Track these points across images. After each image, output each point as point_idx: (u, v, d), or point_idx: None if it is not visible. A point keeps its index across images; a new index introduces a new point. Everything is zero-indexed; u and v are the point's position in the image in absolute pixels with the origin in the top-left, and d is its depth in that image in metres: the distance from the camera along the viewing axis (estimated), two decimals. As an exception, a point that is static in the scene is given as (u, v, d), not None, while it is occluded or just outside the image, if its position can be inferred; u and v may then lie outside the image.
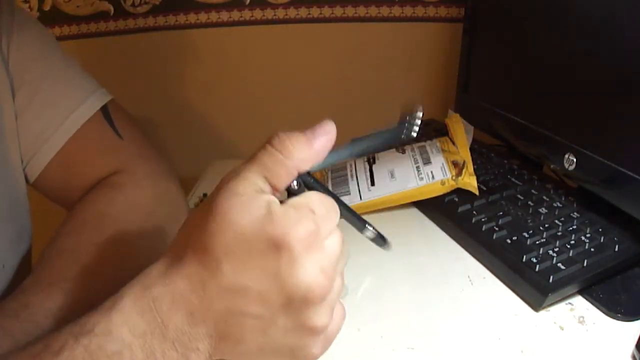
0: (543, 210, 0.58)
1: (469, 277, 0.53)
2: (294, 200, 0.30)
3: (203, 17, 0.93)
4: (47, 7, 0.95)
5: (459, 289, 0.52)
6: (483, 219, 0.58)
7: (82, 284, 0.41)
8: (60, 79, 0.52)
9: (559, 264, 0.49)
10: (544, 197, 0.60)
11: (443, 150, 0.66)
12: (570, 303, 0.49)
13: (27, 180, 0.52)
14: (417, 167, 0.64)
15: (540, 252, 0.51)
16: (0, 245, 0.46)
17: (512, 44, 0.67)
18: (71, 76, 0.54)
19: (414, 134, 0.34)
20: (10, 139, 0.49)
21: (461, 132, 0.69)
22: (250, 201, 0.29)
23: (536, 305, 0.48)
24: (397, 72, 0.93)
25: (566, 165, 0.58)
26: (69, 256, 0.43)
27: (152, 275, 0.30)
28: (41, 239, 0.49)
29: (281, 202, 0.30)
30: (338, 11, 0.89)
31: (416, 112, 0.34)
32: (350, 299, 0.51)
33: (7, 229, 0.48)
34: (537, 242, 0.53)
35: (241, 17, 0.92)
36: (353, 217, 0.35)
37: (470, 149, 0.66)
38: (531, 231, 0.54)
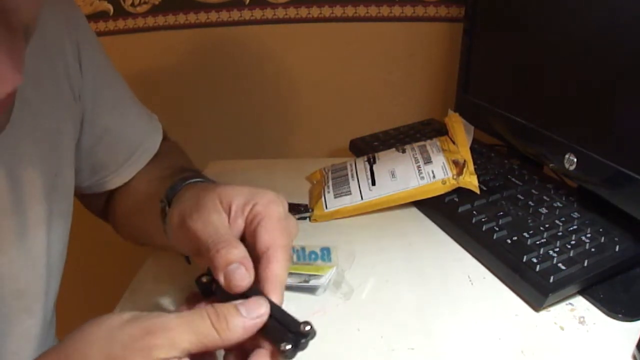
0: (543, 210, 0.58)
1: (469, 277, 0.53)
2: None
3: (203, 17, 0.93)
4: (46, 7, 0.95)
5: (459, 289, 0.51)
6: (483, 219, 0.58)
7: None
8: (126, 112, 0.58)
9: (560, 264, 0.49)
10: (545, 197, 0.60)
11: (443, 150, 0.66)
12: (570, 303, 0.49)
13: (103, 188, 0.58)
14: (418, 167, 0.64)
15: (541, 252, 0.51)
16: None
17: (512, 43, 0.67)
18: (134, 108, 0.59)
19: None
20: (67, 159, 0.52)
21: (461, 131, 0.69)
22: None
23: (536, 306, 0.48)
24: (397, 72, 0.93)
25: (566, 165, 0.58)
26: None
27: None
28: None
29: None
30: (338, 11, 0.89)
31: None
32: (353, 300, 0.51)
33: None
34: (538, 242, 0.52)
35: (241, 17, 0.92)
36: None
37: (470, 149, 0.66)
38: (531, 231, 0.54)
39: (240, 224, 0.40)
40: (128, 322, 0.31)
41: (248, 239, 0.40)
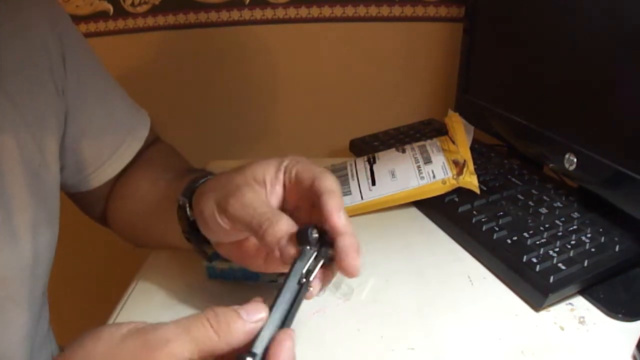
0: (543, 210, 0.58)
1: (469, 277, 0.53)
2: None
3: (203, 16, 0.93)
4: (46, 7, 0.95)
5: (459, 289, 0.51)
6: (483, 219, 0.58)
7: None
8: (111, 105, 0.58)
9: (560, 264, 0.49)
10: (545, 197, 0.60)
11: (443, 150, 0.66)
12: (570, 303, 0.49)
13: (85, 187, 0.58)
14: (418, 167, 0.64)
15: (541, 252, 0.51)
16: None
17: (512, 43, 0.67)
18: (120, 101, 0.59)
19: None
20: (51, 155, 0.51)
21: (461, 131, 0.69)
22: None
23: (536, 306, 0.48)
24: (397, 72, 0.93)
25: (566, 165, 0.58)
26: None
27: None
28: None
29: None
30: (338, 11, 0.89)
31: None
32: (353, 300, 0.51)
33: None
34: (538, 242, 0.52)
35: (241, 17, 0.92)
36: None
37: (470, 149, 0.66)
38: (532, 231, 0.54)
39: (279, 191, 0.41)
40: (127, 337, 0.31)
41: (289, 198, 0.42)
